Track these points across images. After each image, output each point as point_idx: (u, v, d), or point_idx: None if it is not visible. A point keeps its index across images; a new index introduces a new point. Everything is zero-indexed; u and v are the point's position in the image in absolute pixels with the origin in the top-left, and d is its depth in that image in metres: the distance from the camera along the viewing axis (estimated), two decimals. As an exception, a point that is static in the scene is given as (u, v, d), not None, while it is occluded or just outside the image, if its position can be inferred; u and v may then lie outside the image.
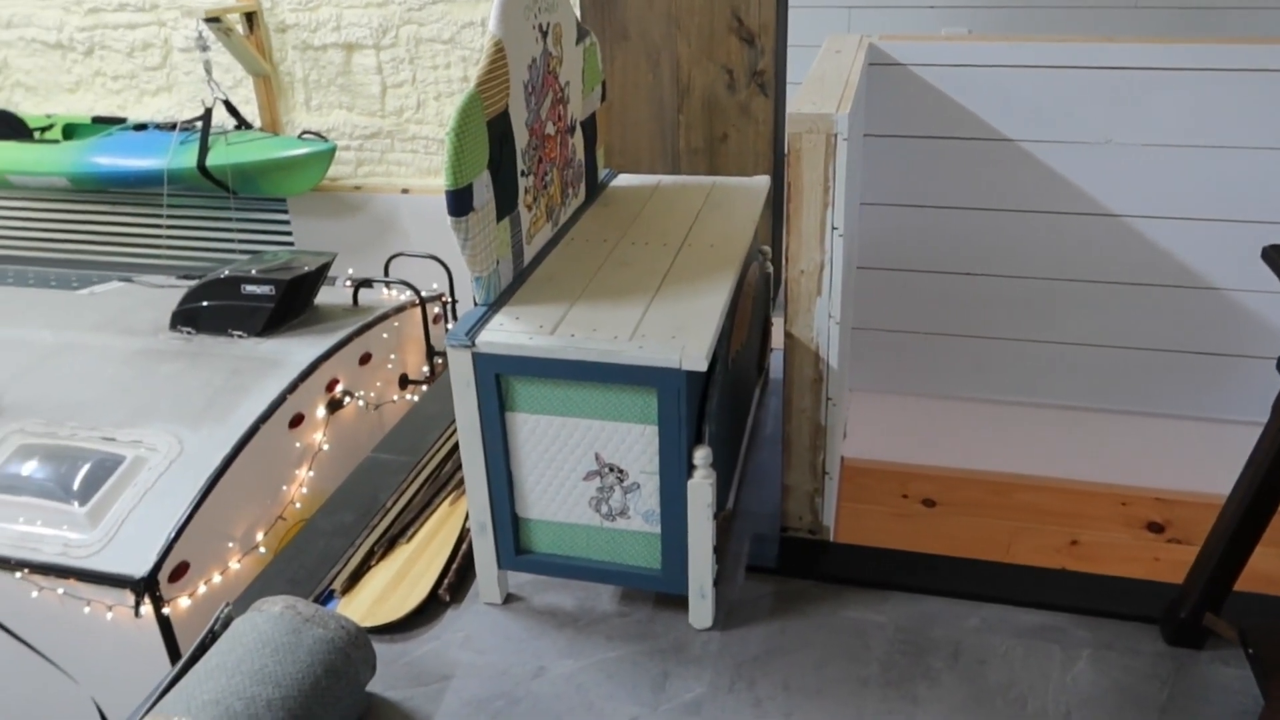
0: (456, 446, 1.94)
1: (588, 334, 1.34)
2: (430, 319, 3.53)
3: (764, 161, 2.39)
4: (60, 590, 2.42)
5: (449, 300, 3.66)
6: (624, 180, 2.02)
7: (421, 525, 1.71)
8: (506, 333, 1.36)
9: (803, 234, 1.45)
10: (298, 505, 2.83)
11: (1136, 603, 1.49)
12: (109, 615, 2.39)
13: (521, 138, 1.48)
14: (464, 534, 1.67)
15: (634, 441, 1.36)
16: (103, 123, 4.94)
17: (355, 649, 1.32)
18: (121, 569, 2.36)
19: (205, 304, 3.18)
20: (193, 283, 3.43)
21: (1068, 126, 2.06)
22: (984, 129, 2.06)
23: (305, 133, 4.54)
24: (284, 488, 2.79)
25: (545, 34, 1.58)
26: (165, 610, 2.38)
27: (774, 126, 2.38)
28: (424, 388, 3.48)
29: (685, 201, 1.86)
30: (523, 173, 1.50)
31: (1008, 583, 1.56)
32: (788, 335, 1.53)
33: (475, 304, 1.43)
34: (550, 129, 1.62)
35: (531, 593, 1.56)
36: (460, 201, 1.30)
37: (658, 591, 1.53)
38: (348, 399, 3.07)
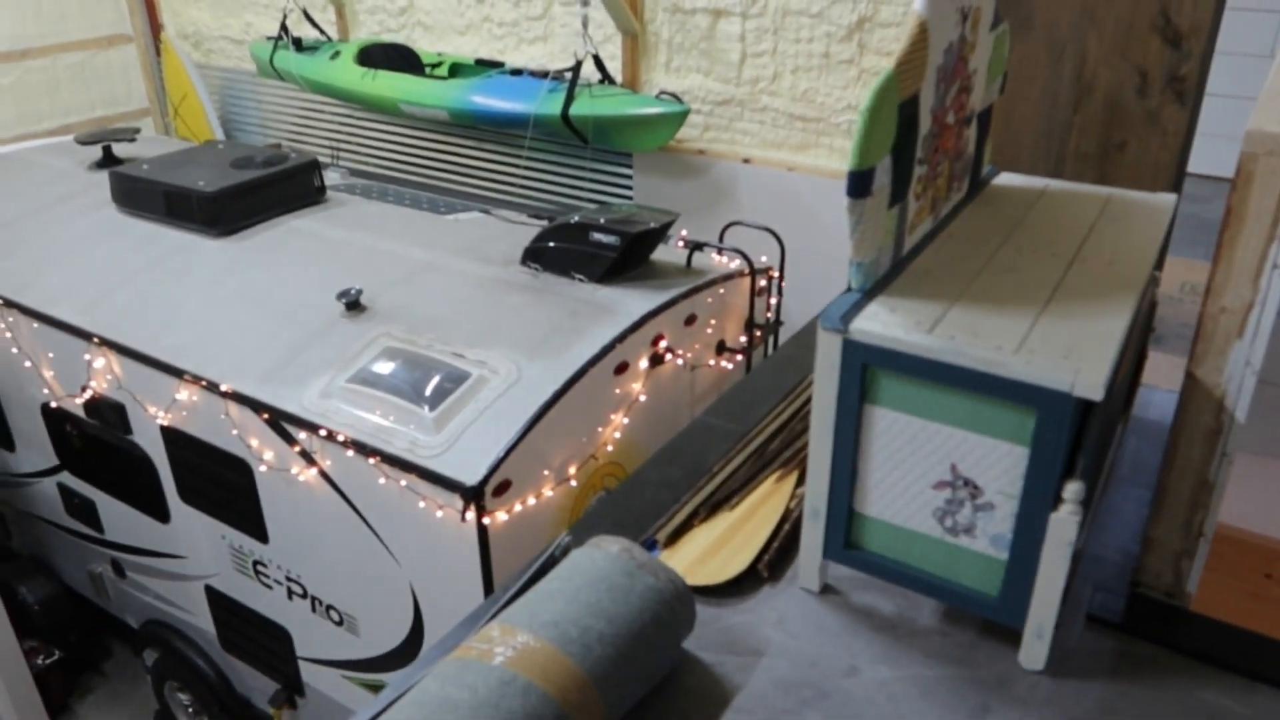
0: (787, 423, 1.93)
1: (969, 338, 1.27)
2: (755, 291, 3.55)
3: (1164, 176, 2.15)
4: (403, 483, 2.69)
5: (775, 275, 3.66)
6: (1006, 179, 1.89)
7: (746, 496, 1.72)
8: (882, 324, 1.31)
9: (1234, 266, 1.28)
10: (610, 449, 2.96)
11: None
12: (439, 514, 2.64)
13: (925, 124, 1.42)
14: (788, 513, 1.66)
15: (998, 460, 1.28)
16: (484, 65, 5.38)
17: (680, 604, 1.35)
18: (456, 475, 2.59)
19: (553, 245, 3.38)
20: (543, 222, 3.66)
21: None
22: None
23: (662, 93, 4.69)
24: (600, 430, 2.93)
25: (965, 17, 1.50)
26: (485, 520, 2.59)
27: (1184, 139, 2.14)
28: (738, 357, 3.52)
29: (1077, 210, 1.71)
30: (919, 160, 1.44)
31: None
32: (1189, 375, 1.37)
33: (850, 289, 1.40)
34: (950, 118, 1.54)
35: (849, 588, 1.53)
36: (861, 183, 1.27)
37: (986, 619, 1.44)
38: (669, 356, 3.16)
